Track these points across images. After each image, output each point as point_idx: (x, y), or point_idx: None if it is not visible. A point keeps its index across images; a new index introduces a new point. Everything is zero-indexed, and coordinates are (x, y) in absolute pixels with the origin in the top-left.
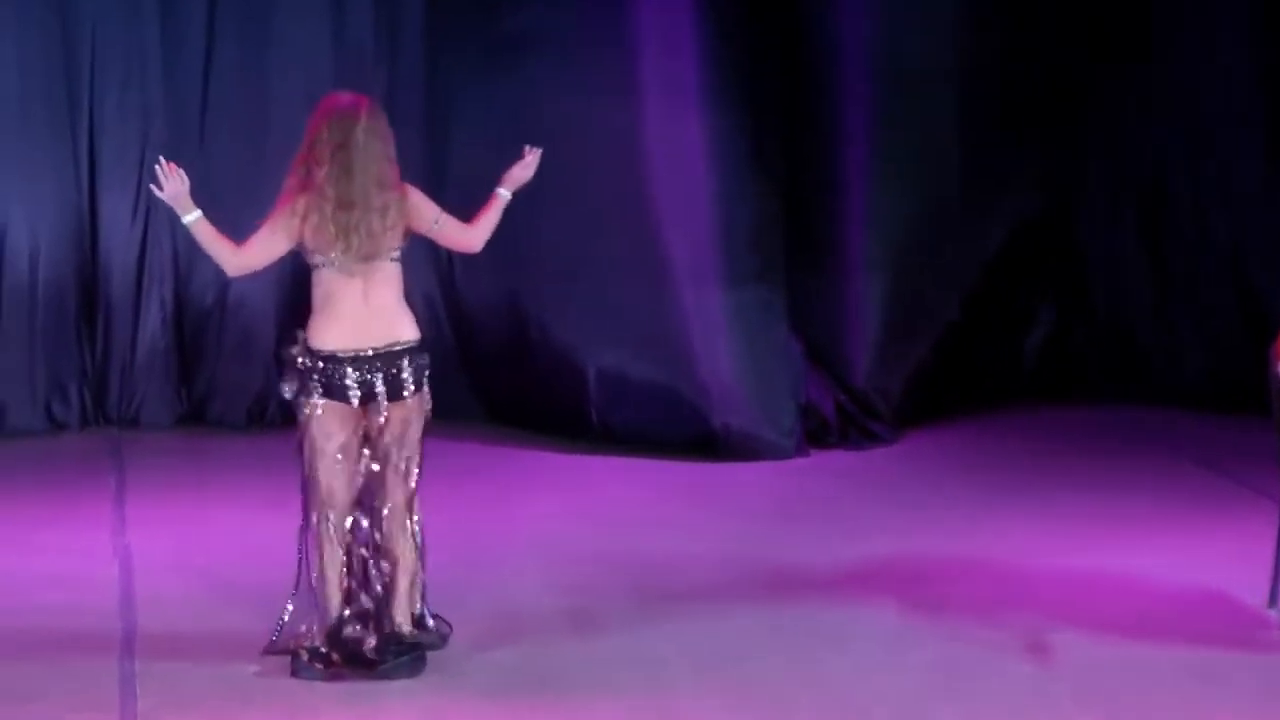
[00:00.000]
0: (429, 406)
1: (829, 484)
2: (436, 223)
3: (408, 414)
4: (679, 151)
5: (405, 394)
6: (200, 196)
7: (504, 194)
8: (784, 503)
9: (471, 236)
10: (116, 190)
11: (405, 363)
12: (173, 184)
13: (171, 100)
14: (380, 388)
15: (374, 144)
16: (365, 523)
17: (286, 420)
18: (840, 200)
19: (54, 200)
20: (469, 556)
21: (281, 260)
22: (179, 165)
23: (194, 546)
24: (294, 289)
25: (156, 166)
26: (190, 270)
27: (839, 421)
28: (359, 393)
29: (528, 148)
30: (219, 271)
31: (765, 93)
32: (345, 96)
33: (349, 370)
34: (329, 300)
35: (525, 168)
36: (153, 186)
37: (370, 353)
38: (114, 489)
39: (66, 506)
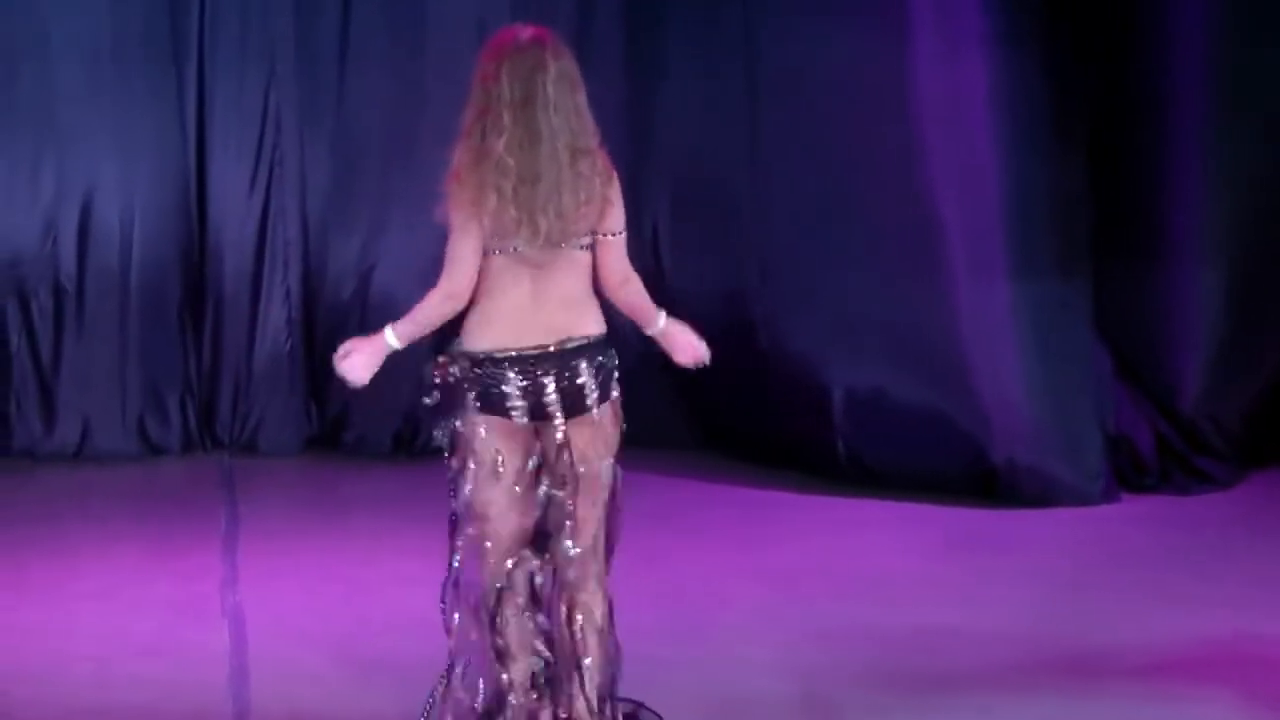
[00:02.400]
0: (622, 417)
1: (1146, 539)
2: (615, 236)
3: (594, 430)
4: (956, 105)
5: (590, 406)
6: (339, 159)
7: (659, 324)
8: (1087, 562)
9: (624, 280)
10: (231, 150)
11: (584, 365)
12: (365, 358)
13: (302, 35)
14: (553, 399)
15: (565, 94)
16: (540, 566)
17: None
18: (1166, 169)
19: (153, 162)
20: (678, 624)
21: (430, 245)
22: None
23: (322, 605)
24: None
25: (339, 368)
26: (324, 253)
27: (1159, 458)
28: (524, 404)
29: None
30: (359, 257)
31: (1068, 32)
32: (522, 31)
33: (511, 375)
34: (493, 291)
35: (686, 351)
36: (355, 383)
37: (538, 352)
38: (224, 531)
39: (164, 552)
